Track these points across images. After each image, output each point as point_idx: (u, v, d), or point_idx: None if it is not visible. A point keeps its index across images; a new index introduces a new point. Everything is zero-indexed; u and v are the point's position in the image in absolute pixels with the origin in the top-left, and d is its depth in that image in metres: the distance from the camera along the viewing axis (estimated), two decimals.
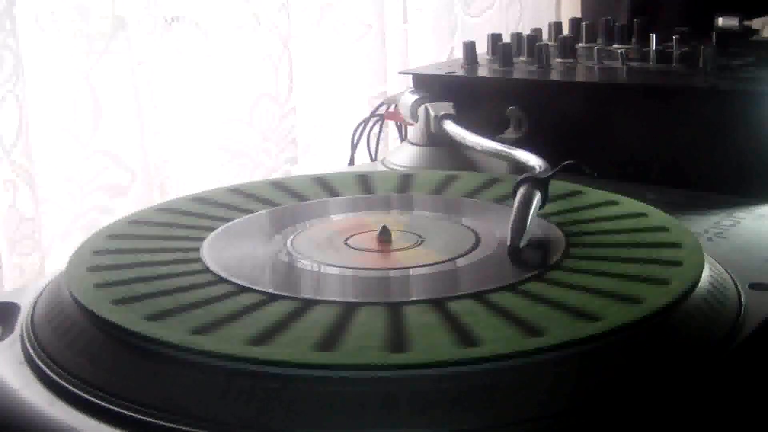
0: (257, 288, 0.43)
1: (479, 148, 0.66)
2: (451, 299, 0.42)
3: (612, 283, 0.44)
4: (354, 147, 0.86)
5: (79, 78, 0.82)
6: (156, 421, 0.35)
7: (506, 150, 0.63)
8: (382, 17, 1.12)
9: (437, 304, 0.41)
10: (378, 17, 1.11)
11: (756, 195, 0.62)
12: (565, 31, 0.92)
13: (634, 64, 0.79)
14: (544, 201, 0.52)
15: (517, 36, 0.86)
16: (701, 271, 0.44)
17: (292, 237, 0.51)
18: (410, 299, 0.43)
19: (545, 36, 0.93)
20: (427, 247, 0.50)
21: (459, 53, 0.88)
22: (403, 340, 0.38)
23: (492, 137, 0.68)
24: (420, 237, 0.51)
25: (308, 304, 0.41)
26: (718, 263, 0.48)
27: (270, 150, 0.99)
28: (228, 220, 0.54)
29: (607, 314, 0.40)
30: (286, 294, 0.43)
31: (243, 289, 0.43)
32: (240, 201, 0.57)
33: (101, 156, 0.85)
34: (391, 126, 0.96)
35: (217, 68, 0.93)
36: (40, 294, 0.47)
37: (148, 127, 0.88)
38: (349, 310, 0.41)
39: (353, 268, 0.47)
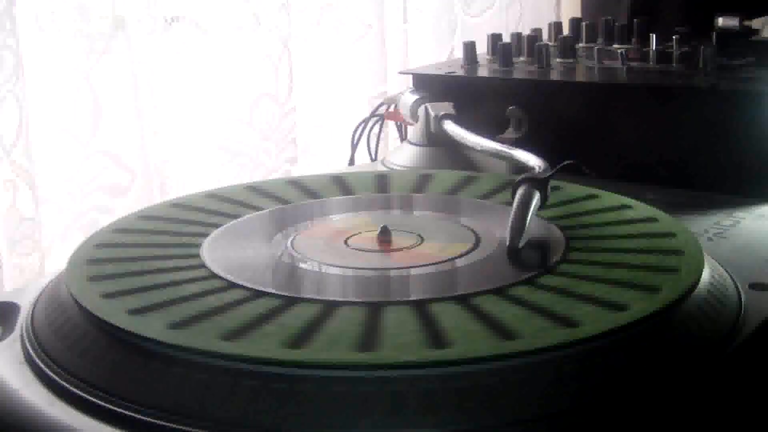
0: (272, 291, 0.43)
1: (479, 148, 0.66)
2: (472, 295, 0.42)
3: (623, 274, 0.44)
4: (354, 147, 0.86)
5: (79, 78, 0.82)
6: (157, 421, 0.35)
7: (506, 150, 0.63)
8: (382, 17, 1.12)
9: (461, 300, 0.41)
10: (378, 17, 1.11)
11: (756, 195, 0.62)
12: (565, 31, 0.92)
13: (634, 64, 0.79)
14: (544, 201, 0.52)
15: (517, 36, 0.86)
16: (702, 259, 0.45)
17: (291, 238, 0.51)
18: (432, 297, 0.42)
19: (545, 36, 0.93)
20: (429, 246, 0.49)
21: (459, 53, 0.88)
22: (440, 337, 0.38)
23: (492, 137, 0.68)
24: (419, 237, 0.50)
25: (331, 306, 0.41)
26: (718, 263, 0.48)
27: (270, 150, 0.99)
28: (218, 225, 0.53)
29: (629, 304, 0.40)
30: (303, 297, 0.42)
31: (257, 294, 0.43)
32: (226, 206, 0.57)
33: (101, 156, 0.85)
34: (391, 126, 0.96)
35: (217, 68, 0.93)
36: (40, 294, 0.47)
37: (148, 127, 0.88)
38: (373, 310, 0.41)
39: (363, 268, 0.47)
